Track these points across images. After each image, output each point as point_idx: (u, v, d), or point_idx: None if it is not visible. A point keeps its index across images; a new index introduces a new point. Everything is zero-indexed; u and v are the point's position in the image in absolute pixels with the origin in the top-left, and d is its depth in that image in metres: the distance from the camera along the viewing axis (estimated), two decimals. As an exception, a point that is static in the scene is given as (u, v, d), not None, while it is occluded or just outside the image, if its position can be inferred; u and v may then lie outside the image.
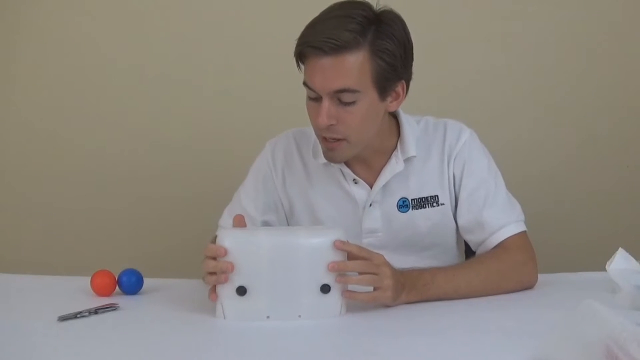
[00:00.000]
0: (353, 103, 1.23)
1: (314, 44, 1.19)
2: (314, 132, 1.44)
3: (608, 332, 0.72)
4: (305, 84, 1.25)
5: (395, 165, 1.36)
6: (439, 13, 2.09)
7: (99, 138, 2.21)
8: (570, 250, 2.03)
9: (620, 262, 1.18)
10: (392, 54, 1.22)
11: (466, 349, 0.94)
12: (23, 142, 2.24)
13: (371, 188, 1.38)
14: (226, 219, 1.45)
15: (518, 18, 2.09)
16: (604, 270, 1.18)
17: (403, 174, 1.37)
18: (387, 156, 1.37)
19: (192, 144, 2.18)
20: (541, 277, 1.35)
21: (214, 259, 1.10)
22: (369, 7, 1.23)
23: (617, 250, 1.20)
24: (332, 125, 1.24)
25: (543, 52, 2.09)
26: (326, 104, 1.23)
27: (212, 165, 2.17)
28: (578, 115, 2.10)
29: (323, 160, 1.38)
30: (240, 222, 1.20)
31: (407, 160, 1.37)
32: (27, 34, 2.20)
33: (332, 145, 1.28)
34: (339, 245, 1.10)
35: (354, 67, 1.20)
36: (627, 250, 1.20)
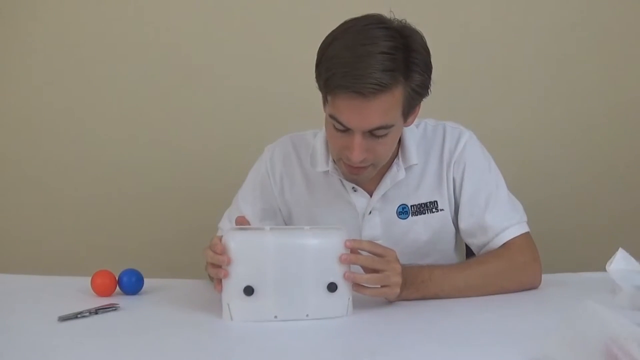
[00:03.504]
0: (385, 135, 1.21)
1: (353, 87, 1.13)
2: (311, 139, 1.44)
3: (608, 332, 0.72)
4: (333, 117, 1.20)
5: (396, 173, 1.36)
6: (438, 10, 2.09)
7: (99, 139, 2.21)
8: (570, 250, 2.03)
9: (620, 262, 1.18)
10: (423, 84, 1.20)
11: (467, 349, 0.94)
12: (23, 142, 2.24)
13: (370, 195, 1.38)
14: (226, 222, 1.45)
15: (519, 13, 2.10)
16: (604, 270, 1.18)
17: (403, 181, 1.36)
18: (387, 163, 1.36)
19: (192, 145, 2.19)
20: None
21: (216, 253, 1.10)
22: (392, 28, 1.17)
23: (617, 250, 1.20)
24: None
25: (547, 49, 2.09)
26: (359, 139, 1.19)
27: (213, 166, 2.17)
28: (580, 115, 2.10)
29: (321, 168, 1.38)
30: (242, 223, 1.19)
31: (408, 168, 1.36)
32: (27, 34, 2.20)
33: (358, 172, 1.27)
34: (350, 245, 1.10)
35: (390, 105, 1.17)
36: (627, 250, 1.20)
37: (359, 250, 1.14)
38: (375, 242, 1.16)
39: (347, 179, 1.33)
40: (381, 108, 1.16)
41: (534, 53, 2.09)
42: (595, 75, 2.09)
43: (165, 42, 2.17)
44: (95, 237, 2.22)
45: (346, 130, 1.20)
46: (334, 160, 1.35)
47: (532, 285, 1.30)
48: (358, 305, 1.14)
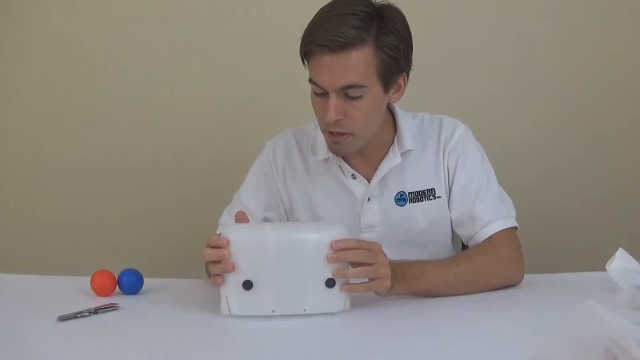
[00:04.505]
0: (359, 97, 1.25)
1: (320, 41, 1.21)
2: (312, 130, 1.47)
3: (608, 332, 0.72)
4: (311, 80, 1.26)
5: (392, 159, 1.38)
6: (442, 11, 2.09)
7: (99, 138, 2.21)
8: (570, 250, 2.03)
9: (620, 262, 1.18)
10: (396, 48, 1.24)
11: (467, 350, 0.94)
12: (24, 141, 2.24)
13: (369, 183, 1.40)
14: (226, 218, 1.46)
15: (520, 16, 2.10)
16: (604, 270, 1.18)
17: (400, 168, 1.39)
18: (384, 150, 1.39)
19: (192, 144, 2.19)
20: (541, 277, 1.35)
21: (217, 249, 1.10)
22: (369, 2, 1.25)
23: (617, 250, 1.20)
24: (339, 120, 1.26)
25: (545, 51, 2.09)
26: (333, 99, 1.24)
27: (212, 165, 2.17)
28: (579, 115, 2.10)
29: (322, 156, 1.41)
30: (242, 219, 1.20)
31: (404, 154, 1.39)
32: (24, 36, 2.20)
33: (338, 139, 1.30)
34: (336, 247, 1.10)
35: (359, 63, 1.22)
36: (627, 250, 1.20)
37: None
38: (360, 239, 1.16)
39: (332, 151, 1.35)
40: (350, 64, 1.21)
41: (536, 53, 2.09)
42: (595, 75, 2.09)
43: (163, 40, 2.17)
44: (95, 237, 2.22)
45: (324, 94, 1.25)
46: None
47: (515, 281, 1.31)
48: (357, 301, 1.14)
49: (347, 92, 1.24)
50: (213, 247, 1.11)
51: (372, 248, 1.15)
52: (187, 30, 2.16)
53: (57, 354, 0.97)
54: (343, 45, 1.20)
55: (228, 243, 1.09)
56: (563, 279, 1.38)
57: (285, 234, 1.13)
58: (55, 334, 1.06)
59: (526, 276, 1.33)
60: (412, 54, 1.30)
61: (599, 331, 0.73)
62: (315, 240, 1.11)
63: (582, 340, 0.74)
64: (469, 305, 1.19)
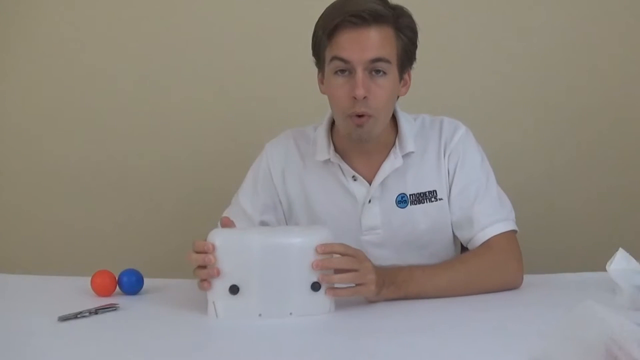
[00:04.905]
0: (384, 74, 1.28)
1: (353, 12, 1.24)
2: (312, 132, 1.46)
3: (608, 332, 0.72)
4: (335, 57, 1.27)
5: (394, 161, 1.38)
6: (442, 11, 2.09)
7: (99, 138, 2.21)
8: (570, 250, 2.03)
9: (620, 262, 1.18)
10: (412, 30, 1.31)
11: (464, 349, 0.94)
12: (24, 142, 2.24)
13: (370, 184, 1.39)
14: (225, 222, 1.45)
15: (520, 16, 2.10)
16: (604, 270, 1.18)
17: (401, 170, 1.38)
18: (385, 152, 1.39)
19: (192, 145, 2.18)
20: (540, 277, 1.35)
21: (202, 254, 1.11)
22: None
23: (617, 250, 1.20)
24: (364, 97, 1.27)
25: (544, 54, 2.09)
26: (360, 74, 1.26)
27: (212, 165, 2.17)
28: (579, 115, 2.10)
29: (322, 157, 1.40)
30: (227, 224, 1.21)
31: (406, 156, 1.39)
32: (24, 36, 2.20)
33: (361, 121, 1.30)
34: (321, 250, 1.11)
35: (386, 37, 1.27)
36: (627, 250, 1.20)
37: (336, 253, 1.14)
38: (345, 244, 1.16)
39: (353, 138, 1.33)
40: (378, 37, 1.26)
41: (535, 56, 2.09)
42: (594, 77, 2.08)
43: (164, 40, 2.16)
44: (95, 237, 2.22)
45: (349, 72, 1.27)
46: (335, 148, 1.39)
47: (513, 285, 1.30)
48: (343, 303, 1.15)
49: (375, 66, 1.27)
50: (198, 252, 1.11)
51: (356, 254, 1.15)
52: (187, 30, 2.16)
53: (57, 354, 0.97)
54: (376, 16, 1.24)
55: (213, 248, 1.10)
56: (563, 279, 1.37)
57: (270, 238, 1.14)
58: (55, 334, 1.06)
59: (526, 276, 1.32)
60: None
61: (599, 331, 0.73)
62: (299, 244, 1.12)
63: (582, 340, 0.74)
64: (468, 305, 1.19)
